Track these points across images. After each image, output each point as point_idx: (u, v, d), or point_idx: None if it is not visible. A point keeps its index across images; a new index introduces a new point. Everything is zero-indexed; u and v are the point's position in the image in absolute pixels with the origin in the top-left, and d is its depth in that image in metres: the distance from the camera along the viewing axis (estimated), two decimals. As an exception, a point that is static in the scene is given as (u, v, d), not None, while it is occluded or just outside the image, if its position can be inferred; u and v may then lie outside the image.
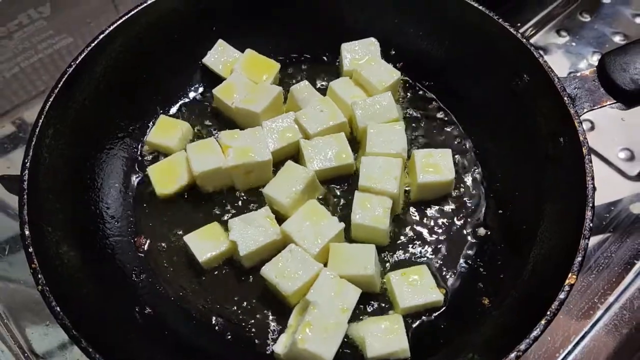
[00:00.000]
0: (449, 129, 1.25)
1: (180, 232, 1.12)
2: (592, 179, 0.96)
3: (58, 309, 0.86)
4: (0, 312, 1.15)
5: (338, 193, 1.16)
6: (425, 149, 1.16)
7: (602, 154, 1.32)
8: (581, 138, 0.99)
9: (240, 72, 1.24)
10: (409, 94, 1.29)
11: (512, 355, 0.83)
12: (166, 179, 1.14)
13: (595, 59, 1.16)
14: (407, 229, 1.13)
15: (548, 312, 0.85)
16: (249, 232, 1.05)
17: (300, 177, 1.09)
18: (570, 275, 0.88)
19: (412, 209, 1.15)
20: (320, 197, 1.15)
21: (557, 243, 0.98)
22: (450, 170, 1.12)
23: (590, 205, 0.94)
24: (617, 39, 1.50)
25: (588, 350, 1.11)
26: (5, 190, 1.20)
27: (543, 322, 0.84)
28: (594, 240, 1.22)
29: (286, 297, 1.01)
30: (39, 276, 0.89)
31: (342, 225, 1.06)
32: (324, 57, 1.33)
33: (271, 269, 1.01)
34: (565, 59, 1.48)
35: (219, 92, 1.22)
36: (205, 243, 1.07)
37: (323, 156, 1.14)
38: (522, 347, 0.83)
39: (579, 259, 0.89)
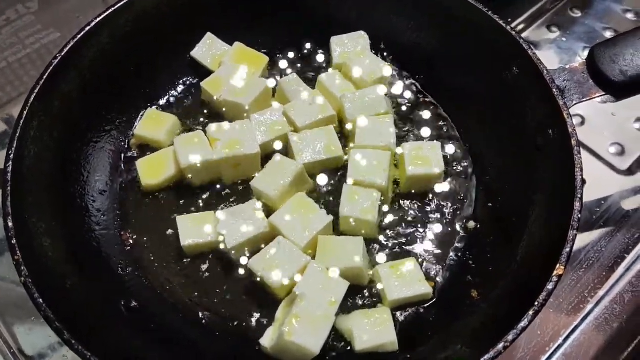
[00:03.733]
0: (438, 122, 1.24)
1: (167, 227, 1.11)
2: (581, 170, 0.96)
3: (41, 300, 0.85)
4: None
5: (327, 186, 1.16)
6: (415, 142, 1.15)
7: (593, 149, 1.32)
8: (570, 130, 0.99)
9: (229, 65, 1.23)
10: (398, 87, 1.28)
11: (500, 345, 0.82)
12: (153, 170, 1.13)
13: (586, 55, 1.16)
14: (396, 221, 1.12)
15: (536, 303, 0.84)
16: (236, 224, 1.04)
17: (288, 170, 1.08)
18: (558, 266, 0.87)
19: (401, 202, 1.14)
20: (309, 190, 1.14)
21: (546, 235, 0.97)
22: (439, 163, 1.11)
23: (579, 196, 0.93)
24: (608, 34, 1.50)
25: (578, 344, 1.10)
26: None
27: (531, 312, 0.84)
28: (584, 235, 1.21)
29: (274, 289, 1.00)
30: (22, 268, 0.88)
31: (331, 217, 1.05)
32: (314, 51, 1.32)
33: (259, 262, 1.00)
34: (556, 54, 1.48)
35: (207, 85, 1.21)
36: (194, 229, 1.07)
37: (312, 149, 1.13)
38: (510, 337, 0.82)
39: (567, 249, 0.88)
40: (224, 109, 1.21)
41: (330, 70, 1.25)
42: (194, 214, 1.09)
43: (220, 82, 1.21)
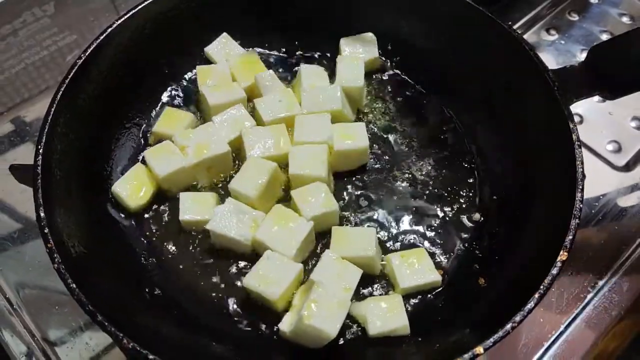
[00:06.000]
0: (443, 119, 1.29)
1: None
2: (582, 163, 1.00)
3: (74, 285, 0.88)
4: (11, 300, 1.18)
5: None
6: (342, 123, 1.19)
7: (591, 147, 1.37)
8: (571, 126, 1.03)
9: (232, 65, 1.27)
10: (404, 85, 1.33)
11: (508, 326, 0.86)
12: (134, 192, 1.13)
13: (583, 57, 1.21)
14: (406, 214, 1.17)
15: (541, 287, 0.89)
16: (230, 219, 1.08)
17: (264, 170, 1.11)
18: (562, 252, 0.91)
19: (410, 197, 1.19)
20: (283, 187, 1.17)
21: (549, 225, 1.02)
22: (363, 139, 1.16)
23: (580, 187, 0.97)
24: (605, 37, 1.56)
25: (579, 331, 1.14)
26: (13, 183, 1.21)
27: (536, 295, 0.88)
28: (583, 228, 1.26)
29: (273, 302, 1.01)
30: (55, 255, 0.91)
31: (311, 224, 1.06)
32: (327, 54, 1.37)
33: (253, 278, 1.01)
34: (554, 57, 1.53)
35: (200, 70, 1.26)
36: (194, 206, 1.11)
37: (262, 145, 1.15)
38: (517, 318, 0.86)
39: (570, 237, 0.92)
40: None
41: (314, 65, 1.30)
42: (196, 192, 1.13)
43: (210, 74, 1.25)
